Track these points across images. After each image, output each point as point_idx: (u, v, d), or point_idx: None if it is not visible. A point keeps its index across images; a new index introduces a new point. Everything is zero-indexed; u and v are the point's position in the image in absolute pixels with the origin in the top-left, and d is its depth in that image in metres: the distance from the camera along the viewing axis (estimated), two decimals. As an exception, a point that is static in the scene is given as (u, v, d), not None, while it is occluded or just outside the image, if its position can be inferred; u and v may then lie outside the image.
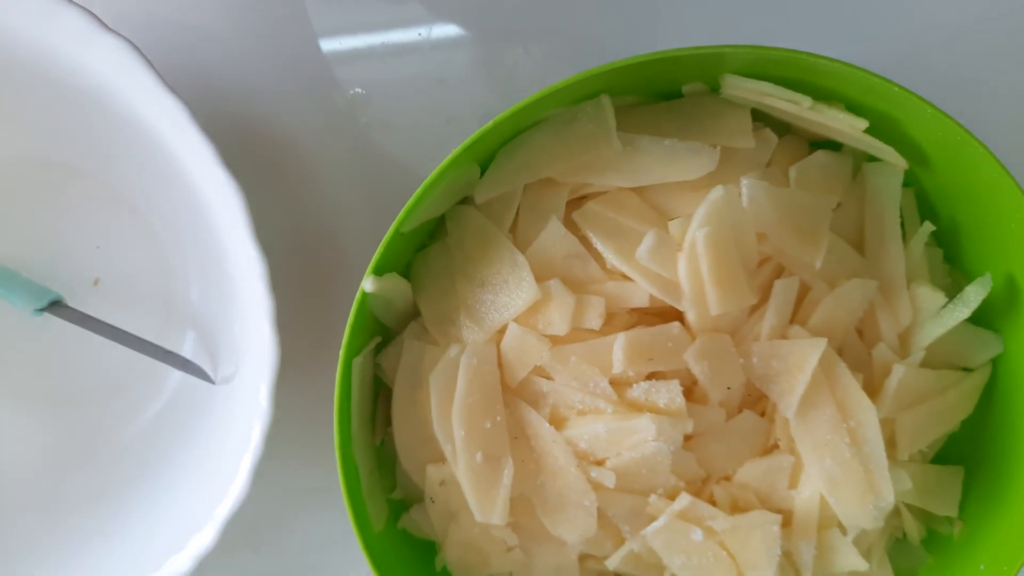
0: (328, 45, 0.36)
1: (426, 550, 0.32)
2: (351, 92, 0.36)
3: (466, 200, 0.31)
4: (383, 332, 0.32)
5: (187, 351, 0.37)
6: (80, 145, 0.34)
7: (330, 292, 0.35)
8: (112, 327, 0.34)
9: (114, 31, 0.26)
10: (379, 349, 0.31)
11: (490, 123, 0.26)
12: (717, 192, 0.27)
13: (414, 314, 0.31)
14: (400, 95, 0.36)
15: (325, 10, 0.36)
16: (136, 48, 0.26)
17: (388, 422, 0.31)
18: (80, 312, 0.35)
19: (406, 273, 0.31)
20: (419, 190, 0.26)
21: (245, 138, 0.36)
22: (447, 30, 0.36)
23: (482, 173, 0.30)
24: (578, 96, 0.29)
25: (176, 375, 0.37)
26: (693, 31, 0.36)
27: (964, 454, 0.33)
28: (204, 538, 0.30)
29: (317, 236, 0.36)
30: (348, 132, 0.36)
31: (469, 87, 0.36)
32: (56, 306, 0.35)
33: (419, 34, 0.36)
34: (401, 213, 0.26)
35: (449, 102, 0.36)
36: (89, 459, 0.36)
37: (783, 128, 0.31)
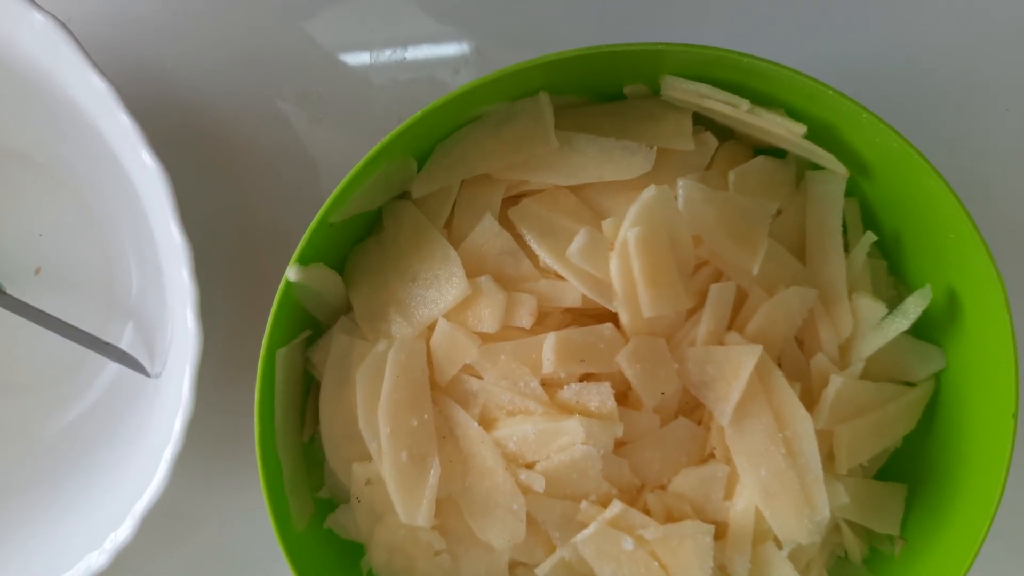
0: (281, 42, 0.36)
1: (353, 552, 0.31)
2: (302, 89, 0.36)
3: (404, 196, 0.30)
4: (317, 327, 0.31)
5: (126, 343, 0.36)
6: (22, 129, 0.34)
7: (270, 289, 0.35)
8: (51, 317, 0.34)
9: (43, 8, 0.26)
10: (312, 344, 0.31)
11: (421, 111, 0.26)
12: (650, 191, 0.27)
13: (347, 309, 0.31)
14: (352, 94, 0.36)
15: (278, 6, 0.36)
16: (64, 26, 0.26)
17: (318, 419, 0.30)
18: (19, 300, 0.34)
19: (342, 268, 0.31)
20: (347, 178, 0.26)
21: (190, 133, 0.36)
22: (402, 31, 0.36)
23: (420, 168, 0.30)
24: (518, 93, 0.29)
25: (113, 367, 0.36)
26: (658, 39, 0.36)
27: (907, 471, 0.32)
28: (122, 533, 0.29)
29: (260, 232, 0.36)
30: (298, 129, 0.36)
31: (423, 88, 0.36)
32: (-6, 294, 0.35)
33: (373, 33, 0.36)
34: (327, 201, 0.26)
35: (400, 100, 0.36)
36: (19, 451, 0.35)
37: (727, 135, 0.31)
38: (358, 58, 0.36)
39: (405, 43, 0.36)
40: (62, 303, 0.36)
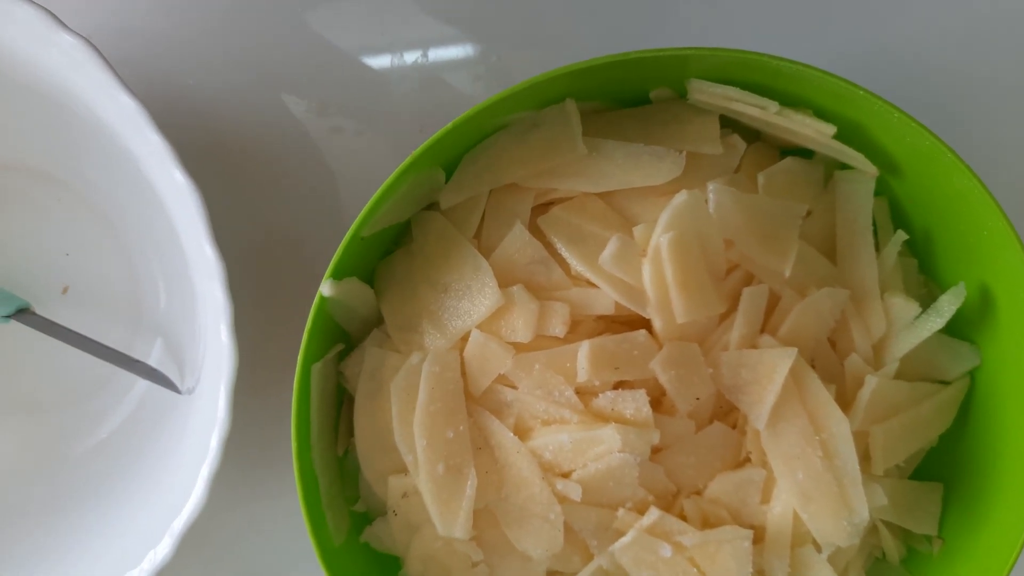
0: (300, 53, 0.36)
1: (389, 565, 0.31)
2: (322, 100, 0.36)
3: (432, 206, 0.30)
4: (347, 340, 0.31)
5: (155, 360, 0.36)
6: (47, 149, 0.34)
7: (296, 299, 0.35)
8: (79, 335, 0.34)
9: (71, 30, 0.26)
10: (343, 357, 0.31)
11: (450, 124, 0.26)
12: (681, 197, 0.27)
13: (378, 321, 0.31)
14: (373, 103, 0.36)
15: (296, 17, 0.36)
16: (93, 47, 0.26)
17: (351, 432, 0.30)
18: (47, 320, 0.35)
19: (371, 280, 0.31)
20: (377, 193, 0.26)
21: (212, 146, 0.36)
22: (420, 38, 0.36)
23: (448, 178, 0.30)
24: (544, 100, 0.29)
25: (142, 384, 0.36)
26: (674, 39, 0.36)
27: (943, 470, 0.32)
28: (161, 551, 0.29)
29: (283, 243, 0.36)
30: (319, 140, 0.36)
31: (443, 95, 0.36)
32: (23, 313, 0.35)
33: (392, 42, 0.36)
34: (360, 216, 0.26)
35: (420, 109, 0.36)
36: (50, 469, 0.35)
37: (753, 136, 0.31)
38: (377, 68, 0.36)
39: (424, 53, 0.36)
40: (89, 321, 0.36)
